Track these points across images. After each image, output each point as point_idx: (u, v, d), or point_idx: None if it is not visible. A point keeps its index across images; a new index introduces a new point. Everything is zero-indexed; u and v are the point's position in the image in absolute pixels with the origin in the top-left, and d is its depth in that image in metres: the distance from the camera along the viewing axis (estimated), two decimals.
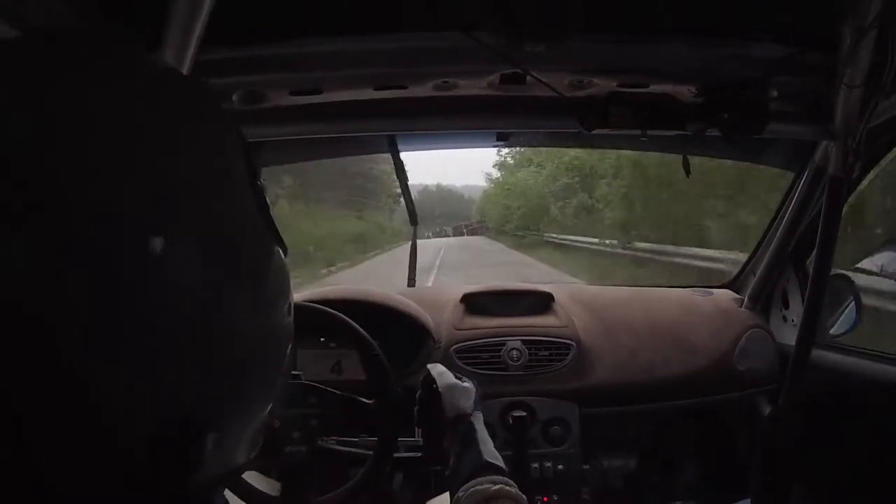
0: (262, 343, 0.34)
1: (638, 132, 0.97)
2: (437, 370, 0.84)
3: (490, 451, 0.72)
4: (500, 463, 0.70)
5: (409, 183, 1.41)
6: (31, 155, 0.25)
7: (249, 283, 0.32)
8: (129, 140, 0.27)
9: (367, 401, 0.95)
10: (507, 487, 0.64)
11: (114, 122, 0.27)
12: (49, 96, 0.26)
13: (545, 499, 1.22)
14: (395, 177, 1.39)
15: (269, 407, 0.36)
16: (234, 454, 0.34)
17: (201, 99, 0.33)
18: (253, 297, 0.32)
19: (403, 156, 1.32)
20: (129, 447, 0.27)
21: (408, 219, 1.45)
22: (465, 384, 0.83)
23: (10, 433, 0.25)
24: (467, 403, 0.79)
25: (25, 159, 0.25)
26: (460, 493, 0.64)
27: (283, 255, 0.36)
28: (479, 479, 0.65)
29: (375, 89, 0.96)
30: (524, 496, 0.64)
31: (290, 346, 0.37)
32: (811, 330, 1.12)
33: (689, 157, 1.04)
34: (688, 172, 1.02)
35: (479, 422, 0.77)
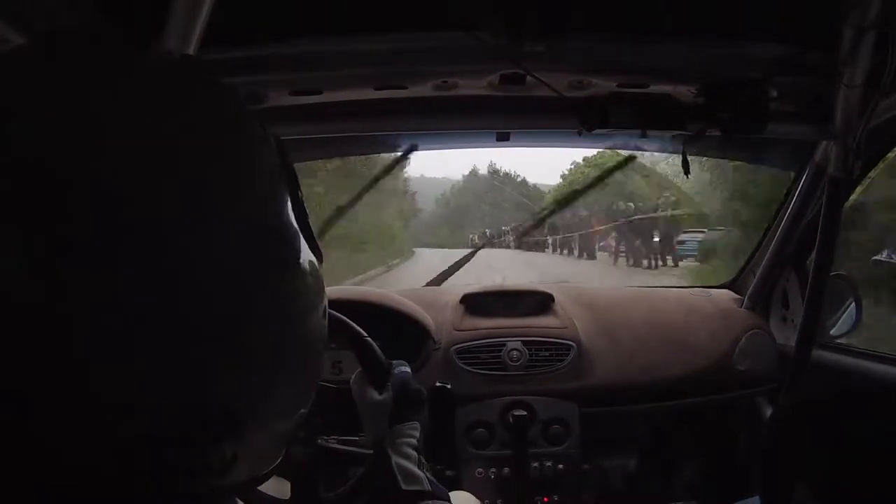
0: (294, 349, 0.33)
1: (638, 132, 0.97)
2: (356, 383, 0.79)
3: (409, 473, 0.66)
4: (422, 483, 0.65)
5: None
6: (52, 154, 0.25)
7: (284, 287, 0.32)
8: (154, 141, 0.27)
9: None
10: None
11: (140, 125, 0.27)
12: (74, 98, 0.26)
13: (545, 499, 1.22)
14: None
15: (298, 415, 0.35)
16: (258, 462, 0.33)
17: (228, 98, 0.33)
18: (286, 303, 0.32)
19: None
20: (150, 449, 0.27)
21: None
22: (381, 398, 0.75)
23: (25, 431, 0.25)
24: (381, 424, 0.73)
25: (44, 158, 0.25)
26: None
27: (317, 263, 0.36)
28: None
29: (375, 89, 0.96)
30: None
31: (322, 353, 0.36)
32: (811, 330, 1.12)
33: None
34: (687, 173, 1.02)
35: (394, 445, 0.70)
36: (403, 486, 0.65)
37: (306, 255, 0.34)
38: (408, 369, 0.81)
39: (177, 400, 0.28)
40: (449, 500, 0.65)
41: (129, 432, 0.27)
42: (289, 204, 0.33)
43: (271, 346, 0.31)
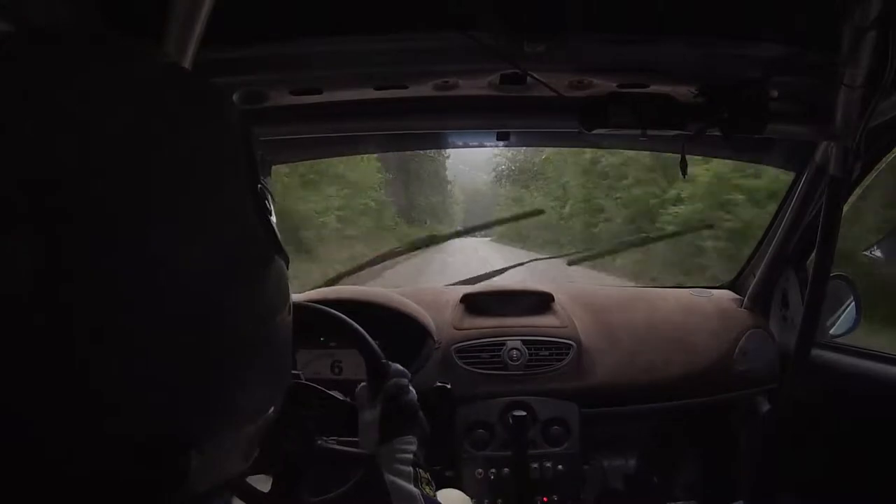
0: (260, 351, 0.33)
1: (638, 132, 0.97)
2: (359, 396, 0.77)
3: (401, 492, 0.65)
4: (415, 501, 0.65)
5: None
6: (33, 156, 0.25)
7: (247, 290, 0.32)
8: (125, 142, 0.27)
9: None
10: None
11: (111, 123, 0.27)
12: (52, 97, 0.26)
13: (545, 499, 1.22)
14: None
15: (268, 414, 0.35)
16: (227, 464, 0.33)
17: (205, 99, 0.33)
18: (251, 306, 0.32)
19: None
20: (117, 456, 0.27)
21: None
22: (371, 413, 0.74)
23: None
24: (372, 440, 0.72)
25: (29, 161, 0.25)
26: None
27: (283, 264, 0.35)
28: None
29: (376, 89, 0.96)
30: None
31: (288, 356, 0.37)
32: (811, 330, 1.12)
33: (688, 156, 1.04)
34: (684, 173, 1.02)
35: (386, 462, 0.69)
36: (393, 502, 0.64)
37: (272, 257, 0.34)
38: (405, 380, 0.77)
39: (148, 404, 0.27)
40: None
41: (110, 431, 0.27)
42: (255, 206, 0.33)
43: (239, 347, 0.31)
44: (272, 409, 0.35)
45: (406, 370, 0.79)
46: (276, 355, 0.35)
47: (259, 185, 0.34)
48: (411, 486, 0.66)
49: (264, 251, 0.34)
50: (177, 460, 0.29)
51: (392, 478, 0.67)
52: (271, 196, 0.35)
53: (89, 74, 0.28)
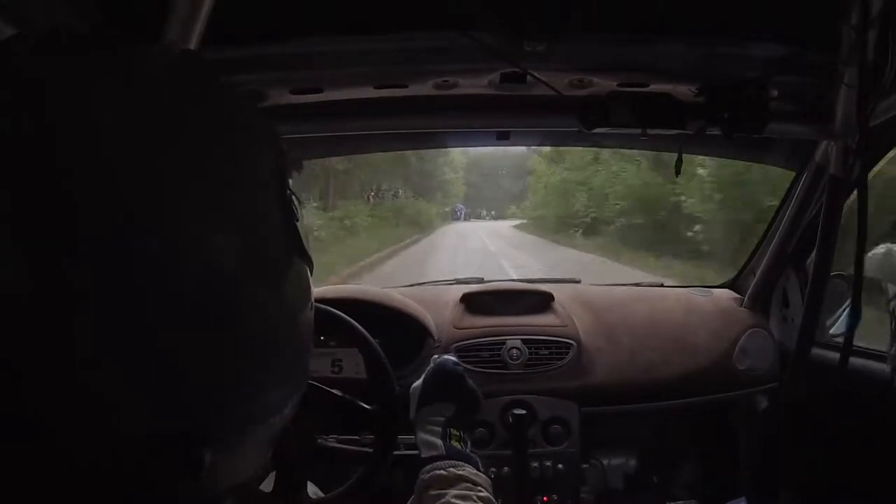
0: (279, 350, 0.33)
1: (638, 131, 0.97)
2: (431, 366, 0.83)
3: (428, 444, 0.72)
4: (438, 449, 0.71)
5: None
6: (40, 153, 0.25)
7: (269, 291, 0.31)
8: (141, 138, 0.27)
9: (368, 406, 0.95)
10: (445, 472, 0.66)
11: (124, 120, 0.27)
12: (58, 95, 0.26)
13: (545, 498, 1.22)
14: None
15: (283, 417, 0.35)
16: (242, 467, 0.33)
17: (228, 97, 0.33)
18: (272, 308, 0.32)
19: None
20: (129, 455, 0.27)
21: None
22: (417, 383, 0.81)
23: (7, 435, 0.25)
24: (411, 411, 0.79)
25: (35, 158, 0.25)
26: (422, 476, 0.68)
27: (306, 267, 0.35)
28: (435, 465, 0.68)
29: (376, 88, 0.96)
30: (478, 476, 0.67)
31: (307, 356, 0.36)
32: (811, 329, 1.12)
33: (688, 155, 1.04)
34: (678, 172, 1.02)
35: (420, 423, 0.76)
36: (423, 455, 0.71)
37: (295, 256, 0.34)
38: (451, 357, 0.85)
39: (166, 402, 0.27)
40: (467, 461, 0.70)
41: (126, 431, 0.27)
42: (279, 208, 0.33)
43: (260, 346, 0.31)
44: (289, 407, 0.35)
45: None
46: (295, 355, 0.35)
47: (287, 191, 0.34)
48: (436, 439, 0.72)
49: (286, 253, 0.33)
50: (192, 458, 0.29)
51: (422, 434, 0.74)
52: (298, 200, 0.35)
53: (100, 71, 0.28)
